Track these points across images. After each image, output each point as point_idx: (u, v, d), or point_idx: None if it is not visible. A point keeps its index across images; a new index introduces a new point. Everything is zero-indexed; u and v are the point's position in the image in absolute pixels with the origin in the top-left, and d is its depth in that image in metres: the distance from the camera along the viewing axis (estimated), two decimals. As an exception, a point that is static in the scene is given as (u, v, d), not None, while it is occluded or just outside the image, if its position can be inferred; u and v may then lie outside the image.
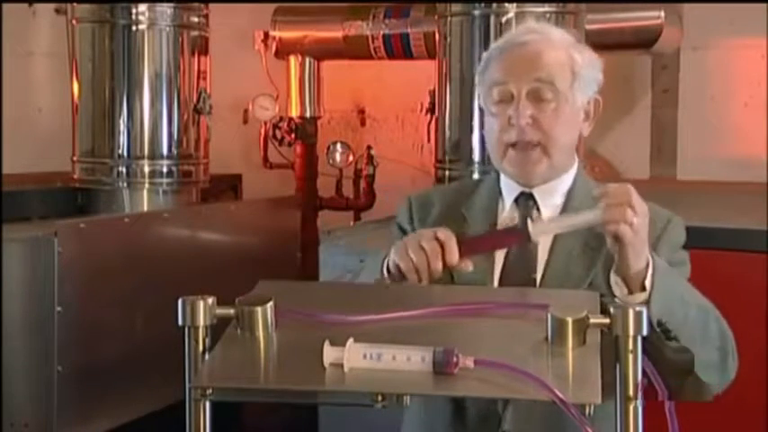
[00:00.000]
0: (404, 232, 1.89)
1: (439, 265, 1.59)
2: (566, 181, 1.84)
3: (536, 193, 1.82)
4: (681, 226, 1.85)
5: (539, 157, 1.77)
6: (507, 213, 1.84)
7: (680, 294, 1.66)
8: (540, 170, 1.79)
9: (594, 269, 1.74)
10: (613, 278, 1.64)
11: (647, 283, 1.62)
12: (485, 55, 1.84)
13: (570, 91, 1.77)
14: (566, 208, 1.81)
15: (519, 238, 1.65)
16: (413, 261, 1.59)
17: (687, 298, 1.68)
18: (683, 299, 1.67)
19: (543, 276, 1.77)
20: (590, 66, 1.82)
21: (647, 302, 1.60)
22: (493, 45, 1.85)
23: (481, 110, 1.87)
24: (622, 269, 1.62)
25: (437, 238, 1.60)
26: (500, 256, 1.78)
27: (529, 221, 1.64)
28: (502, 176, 1.87)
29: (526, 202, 1.83)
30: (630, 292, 1.62)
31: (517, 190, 1.84)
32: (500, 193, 1.86)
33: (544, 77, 1.75)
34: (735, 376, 1.77)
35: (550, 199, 1.82)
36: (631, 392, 1.36)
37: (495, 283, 1.77)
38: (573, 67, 1.78)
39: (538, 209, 1.82)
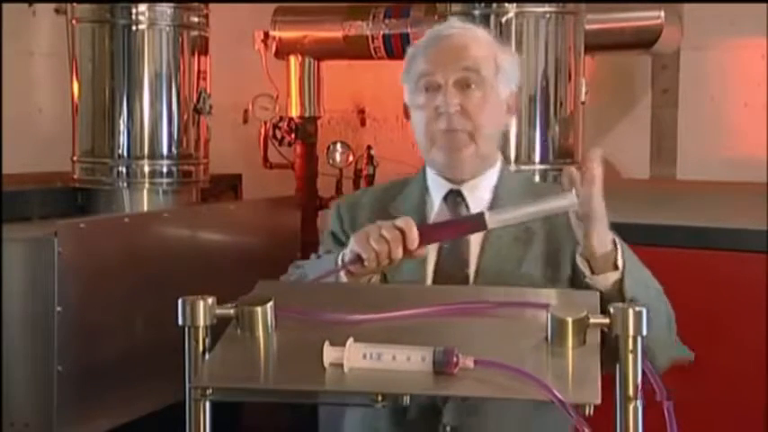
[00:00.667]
0: (337, 239, 1.92)
1: (400, 253, 1.62)
2: (491, 176, 1.88)
3: (463, 189, 1.86)
4: None
5: (466, 142, 1.81)
6: (437, 212, 1.87)
7: (643, 278, 1.72)
8: (467, 155, 1.82)
9: (526, 262, 1.79)
10: (579, 260, 1.68)
11: (619, 262, 1.66)
12: (409, 51, 1.89)
13: (495, 80, 1.82)
14: (493, 203, 1.84)
15: (475, 226, 1.68)
16: (374, 250, 1.61)
17: (648, 281, 1.74)
18: (644, 276, 1.73)
19: (476, 271, 1.81)
20: (511, 63, 1.88)
21: (620, 281, 1.65)
22: (416, 42, 1.90)
23: (406, 109, 1.89)
24: (590, 248, 1.66)
25: (398, 227, 1.63)
26: (432, 252, 1.81)
27: (485, 210, 1.68)
28: (429, 174, 1.90)
29: (455, 199, 1.86)
30: (596, 273, 1.66)
31: (445, 187, 1.87)
32: (428, 191, 1.89)
33: (471, 66, 1.80)
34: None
35: (478, 195, 1.86)
36: (631, 392, 1.36)
37: (429, 278, 1.80)
38: (496, 59, 1.83)
39: (467, 206, 1.85)
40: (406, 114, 1.90)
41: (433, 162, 1.87)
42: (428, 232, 1.67)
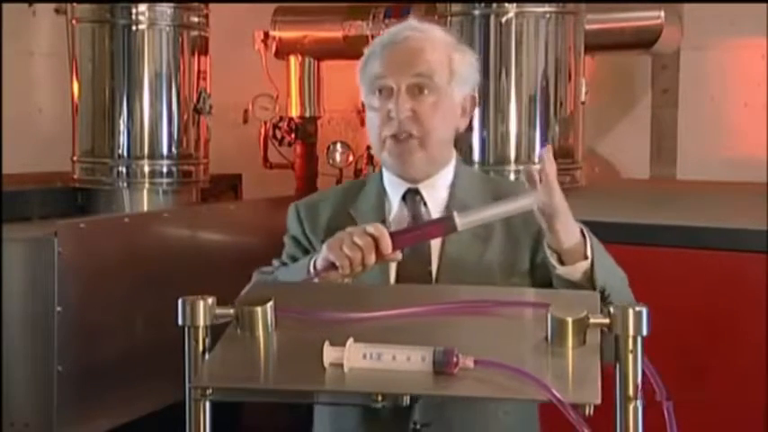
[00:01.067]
0: (297, 242, 1.92)
1: (373, 259, 1.64)
2: (447, 175, 1.90)
3: (421, 188, 1.87)
4: None
5: (416, 146, 1.82)
6: (396, 211, 1.88)
7: (608, 260, 1.73)
8: (417, 160, 1.83)
9: (486, 257, 1.81)
10: (548, 252, 1.70)
11: (589, 252, 1.68)
12: (366, 51, 1.88)
13: (449, 86, 1.83)
14: (451, 201, 1.86)
15: (445, 227, 1.69)
16: (348, 257, 1.63)
17: (612, 263, 1.76)
18: (611, 264, 1.74)
19: (438, 268, 1.82)
20: (468, 65, 1.87)
21: (591, 269, 1.67)
22: (374, 41, 1.89)
23: (363, 107, 1.91)
24: (558, 242, 1.68)
25: (369, 233, 1.64)
26: None
27: (455, 212, 1.69)
28: (385, 175, 1.92)
29: (413, 197, 1.88)
30: (566, 264, 1.68)
31: (403, 186, 1.88)
32: (385, 192, 1.90)
33: (424, 72, 1.80)
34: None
35: (435, 193, 1.88)
36: (631, 392, 1.36)
37: (392, 276, 1.81)
38: (451, 65, 1.83)
39: (425, 204, 1.87)
40: (362, 114, 1.91)
41: (385, 163, 1.89)
42: (400, 237, 1.68)
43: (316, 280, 1.69)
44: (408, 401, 1.33)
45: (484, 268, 1.80)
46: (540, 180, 1.65)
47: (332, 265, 1.65)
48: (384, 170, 1.92)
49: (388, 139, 1.83)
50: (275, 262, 1.95)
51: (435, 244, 1.83)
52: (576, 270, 1.68)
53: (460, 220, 1.66)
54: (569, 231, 1.68)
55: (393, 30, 1.88)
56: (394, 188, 1.89)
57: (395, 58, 1.82)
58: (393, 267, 1.81)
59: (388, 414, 1.75)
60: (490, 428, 1.78)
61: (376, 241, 1.64)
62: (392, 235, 1.66)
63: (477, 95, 1.91)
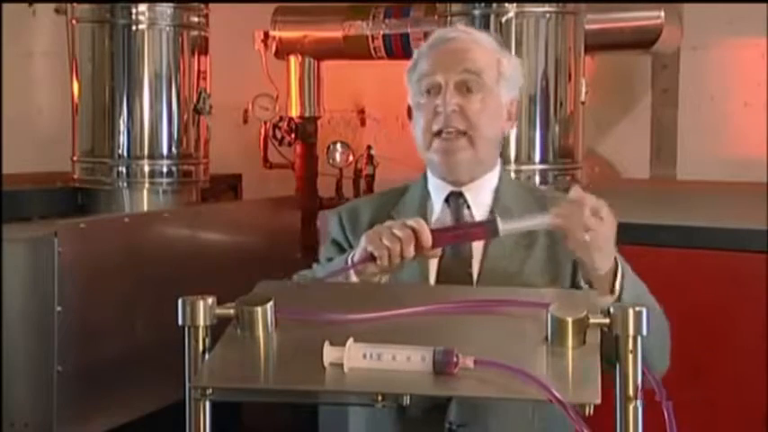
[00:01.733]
0: (338, 245, 1.92)
1: (412, 251, 1.63)
2: (492, 179, 1.89)
3: (465, 191, 1.86)
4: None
5: (464, 144, 1.81)
6: (439, 214, 1.87)
7: (641, 297, 1.70)
8: (464, 159, 1.82)
9: (528, 266, 1.80)
10: (582, 282, 1.70)
11: (617, 286, 1.67)
12: (415, 54, 1.89)
13: (496, 86, 1.83)
14: (495, 205, 1.85)
15: (486, 231, 1.69)
16: (387, 247, 1.62)
17: (645, 300, 1.71)
18: (645, 300, 1.70)
19: (480, 272, 1.81)
20: (514, 70, 1.87)
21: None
22: (422, 45, 1.90)
23: (410, 110, 1.90)
24: (586, 273, 1.68)
25: (409, 226, 1.64)
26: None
27: (497, 216, 1.68)
28: (430, 178, 1.91)
29: (457, 200, 1.87)
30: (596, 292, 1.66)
31: (446, 189, 1.87)
32: (429, 195, 1.89)
33: (472, 69, 1.81)
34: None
35: (479, 197, 1.87)
36: (631, 392, 1.36)
37: (432, 276, 1.81)
38: (499, 67, 1.84)
39: (468, 207, 1.86)
40: (409, 115, 1.90)
41: (431, 162, 1.87)
42: (440, 235, 1.67)
43: (353, 275, 1.68)
44: (408, 401, 1.33)
45: (525, 277, 1.79)
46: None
47: (370, 257, 1.64)
48: (428, 173, 1.91)
49: (435, 137, 1.82)
50: (315, 265, 1.94)
51: (477, 248, 1.82)
52: (603, 302, 1.62)
53: (503, 226, 1.65)
54: (601, 264, 1.65)
55: (440, 31, 1.90)
56: (437, 191, 1.88)
57: (443, 56, 1.83)
58: (433, 268, 1.81)
59: (424, 415, 1.75)
60: None
61: (416, 234, 1.63)
62: (433, 232, 1.65)
63: (520, 101, 1.92)
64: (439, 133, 1.81)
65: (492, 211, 1.83)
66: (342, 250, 1.90)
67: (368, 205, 1.96)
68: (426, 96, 1.83)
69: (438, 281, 1.80)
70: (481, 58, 1.82)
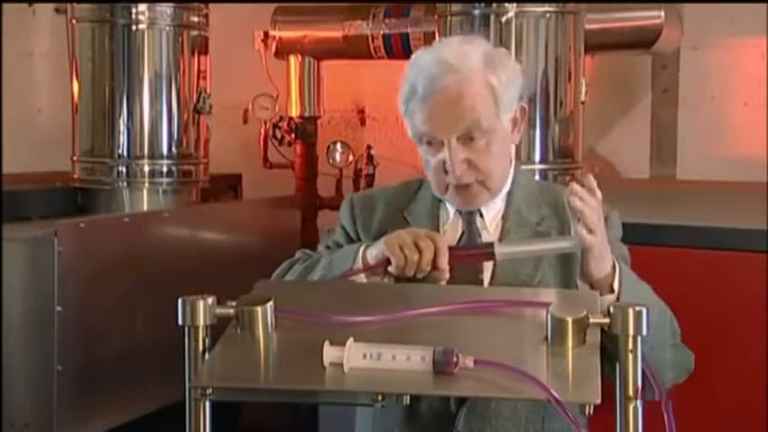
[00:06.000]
0: (347, 233, 1.92)
1: (429, 266, 1.64)
2: (504, 186, 1.88)
3: None
4: (618, 220, 1.89)
5: (478, 190, 1.82)
6: (452, 218, 1.87)
7: (642, 296, 1.69)
8: (482, 200, 1.84)
9: (542, 269, 1.79)
10: (580, 284, 1.69)
11: (615, 285, 1.67)
12: (405, 90, 1.81)
13: (497, 120, 1.79)
14: (507, 210, 1.86)
15: (485, 256, 1.71)
16: (405, 257, 1.63)
17: (648, 299, 1.71)
18: (645, 301, 1.69)
19: (492, 276, 1.81)
20: (510, 85, 1.81)
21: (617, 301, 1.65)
22: (411, 74, 1.81)
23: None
24: (588, 275, 1.67)
25: (432, 240, 1.64)
26: None
27: (495, 242, 1.72)
28: None
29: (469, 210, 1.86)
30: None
31: None
32: (441, 201, 1.89)
33: (470, 121, 1.76)
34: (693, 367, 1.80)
35: (492, 203, 1.87)
36: (631, 392, 1.36)
37: (443, 284, 1.79)
38: (494, 95, 1.78)
39: (481, 214, 1.86)
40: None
41: (449, 201, 1.87)
42: (453, 256, 1.68)
43: (362, 276, 1.69)
44: (408, 401, 1.33)
45: (537, 283, 1.78)
46: (579, 219, 1.62)
47: (386, 263, 1.65)
48: None
49: (450, 185, 1.81)
50: (320, 247, 1.94)
51: None
52: (603, 302, 1.62)
53: (499, 250, 1.68)
54: (600, 267, 1.66)
55: (428, 70, 1.78)
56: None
57: (438, 112, 1.77)
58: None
59: (432, 422, 1.76)
60: None
61: (436, 252, 1.64)
62: (450, 250, 1.67)
63: (525, 105, 1.87)
64: (453, 186, 1.81)
65: (503, 218, 1.84)
66: (349, 239, 1.90)
67: (382, 198, 1.94)
68: (430, 148, 1.81)
69: (449, 284, 1.79)
70: (476, 100, 1.76)
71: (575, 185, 1.63)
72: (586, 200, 1.62)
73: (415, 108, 1.80)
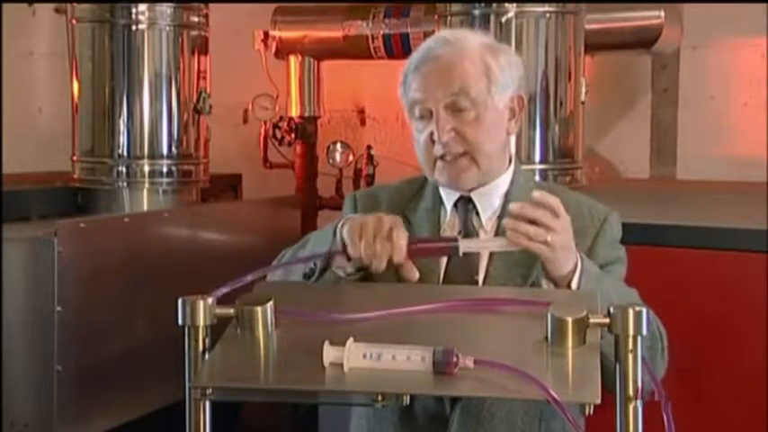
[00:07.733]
0: None
1: (383, 265, 1.62)
2: (502, 184, 1.87)
3: (474, 196, 1.85)
4: (617, 221, 1.89)
5: (467, 164, 1.81)
6: (450, 217, 1.87)
7: (607, 297, 1.65)
8: (470, 176, 1.82)
9: (536, 270, 1.77)
10: (543, 282, 1.70)
11: (574, 284, 1.66)
12: (404, 68, 1.85)
13: (488, 96, 1.79)
14: (503, 210, 1.83)
15: (449, 249, 1.69)
16: (360, 250, 1.62)
17: (614, 299, 1.68)
18: (609, 300, 1.69)
19: (485, 277, 1.81)
20: (507, 68, 1.83)
21: None
22: (411, 57, 1.86)
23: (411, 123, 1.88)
24: (548, 274, 1.68)
25: (390, 237, 1.62)
26: (442, 258, 1.81)
27: (459, 237, 1.72)
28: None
29: (465, 206, 1.86)
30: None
31: (455, 195, 1.87)
32: (442, 200, 1.89)
33: (459, 90, 1.77)
34: (664, 373, 1.77)
35: (489, 201, 1.86)
36: (631, 392, 1.36)
37: (439, 283, 1.80)
38: (488, 73, 1.79)
39: (477, 213, 1.85)
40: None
41: (438, 181, 1.87)
42: (415, 249, 1.67)
43: (341, 266, 1.68)
44: (408, 401, 1.33)
45: (532, 280, 1.77)
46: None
47: (342, 249, 1.65)
48: None
49: (438, 160, 1.81)
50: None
51: (484, 254, 1.81)
52: None
53: (463, 245, 1.67)
54: (562, 265, 1.66)
55: (426, 45, 1.84)
56: (447, 195, 1.88)
57: (428, 79, 1.79)
58: (441, 273, 1.80)
59: (426, 424, 1.76)
60: None
61: (392, 250, 1.62)
62: (409, 245, 1.65)
63: (523, 95, 1.87)
64: (441, 157, 1.80)
65: (500, 217, 1.82)
66: None
67: (385, 196, 1.94)
68: (420, 121, 1.81)
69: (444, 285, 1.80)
70: (468, 72, 1.77)
71: (515, 208, 1.63)
72: (527, 215, 1.61)
73: (410, 79, 1.82)
